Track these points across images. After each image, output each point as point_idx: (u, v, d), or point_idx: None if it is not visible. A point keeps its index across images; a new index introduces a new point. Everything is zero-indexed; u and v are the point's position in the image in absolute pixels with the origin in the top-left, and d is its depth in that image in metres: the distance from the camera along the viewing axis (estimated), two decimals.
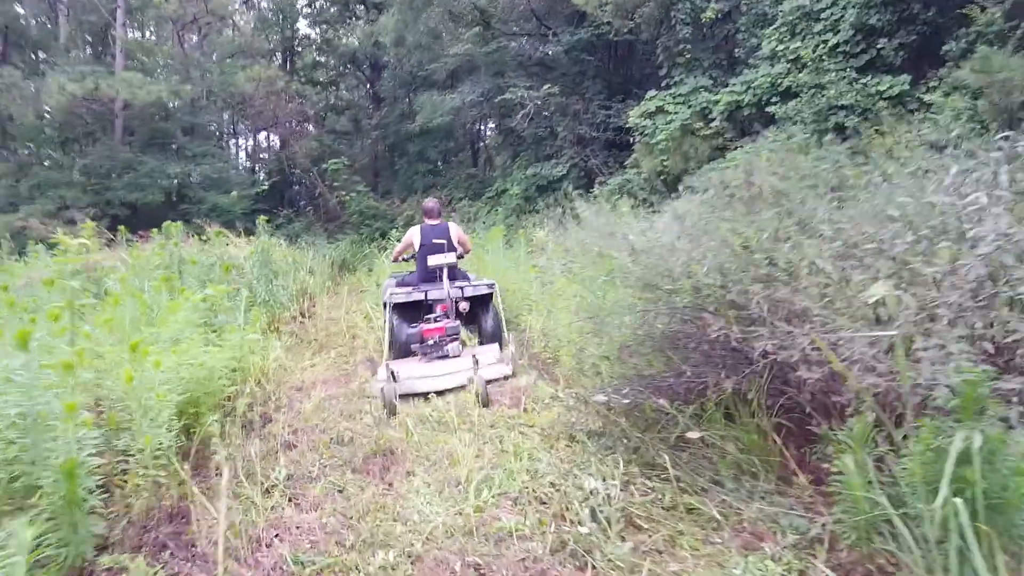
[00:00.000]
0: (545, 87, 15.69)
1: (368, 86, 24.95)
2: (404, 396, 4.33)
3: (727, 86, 11.86)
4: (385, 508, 2.74)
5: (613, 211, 5.89)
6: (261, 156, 28.79)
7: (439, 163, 24.67)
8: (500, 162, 21.02)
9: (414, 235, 5.86)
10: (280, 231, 17.92)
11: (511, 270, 6.91)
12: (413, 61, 20.53)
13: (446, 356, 4.95)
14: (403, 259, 6.22)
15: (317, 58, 23.97)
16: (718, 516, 2.44)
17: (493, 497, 2.76)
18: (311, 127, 25.72)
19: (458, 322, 5.16)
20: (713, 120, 11.89)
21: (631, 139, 14.54)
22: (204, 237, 7.08)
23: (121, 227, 7.72)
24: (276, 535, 2.53)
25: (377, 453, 3.34)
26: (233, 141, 29.38)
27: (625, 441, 2.98)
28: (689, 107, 12.40)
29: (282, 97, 20.79)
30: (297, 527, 2.59)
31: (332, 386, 5.08)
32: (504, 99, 16.05)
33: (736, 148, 11.22)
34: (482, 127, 25.46)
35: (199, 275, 6.27)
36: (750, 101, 11.35)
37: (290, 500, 2.90)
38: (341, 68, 24.56)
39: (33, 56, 17.28)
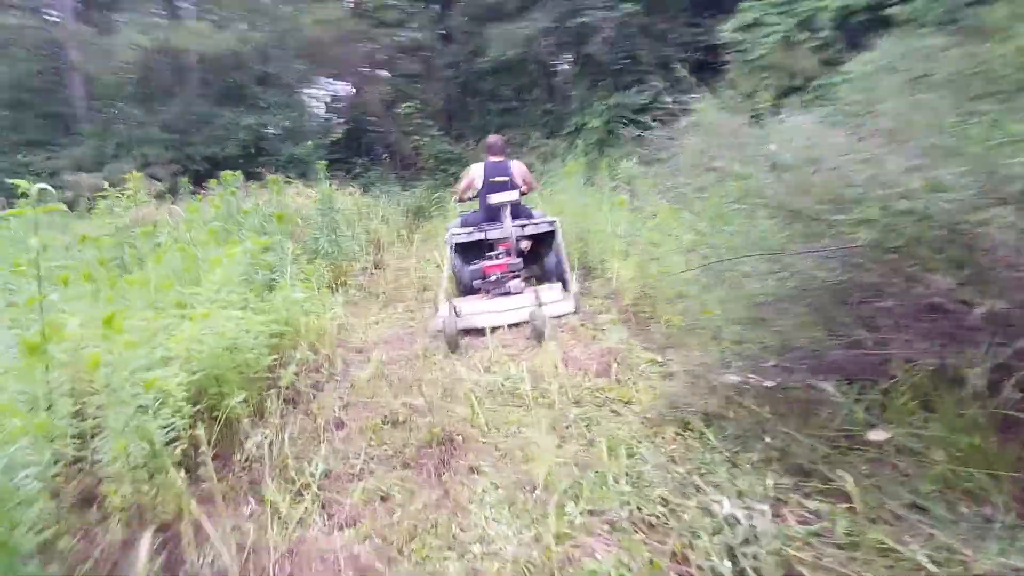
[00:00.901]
0: (625, 6, 14.20)
1: (438, 22, 23.87)
2: (465, 332, 4.36)
3: None
4: (438, 527, 2.07)
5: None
6: (336, 105, 28.56)
7: (513, 101, 23.51)
8: (578, 95, 19.63)
9: (476, 173, 5.62)
10: (356, 180, 17.62)
11: (592, 207, 6.02)
12: None
13: (508, 293, 4.87)
14: (467, 198, 5.93)
15: None
16: (929, 565, 1.60)
17: (581, 516, 2.03)
18: (383, 72, 25.08)
19: (520, 259, 5.04)
20: (821, 30, 10.26)
21: (725, 58, 12.97)
22: (273, 186, 6.60)
23: (183, 178, 7.38)
24: (290, 573, 1.91)
25: (434, 441, 2.66)
26: (307, 91, 29.25)
27: (766, 438, 2.15)
28: (792, 16, 10.77)
29: (352, 41, 20.14)
30: (323, 557, 1.95)
31: (395, 347, 4.48)
32: (580, 23, 14.69)
33: (847, 61, 9.66)
34: (557, 59, 23.94)
35: (257, 227, 5.78)
36: (864, 3, 9.64)
37: (323, 507, 2.29)
38: (409, 7, 23.54)
39: (107, 12, 17.38)
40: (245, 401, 2.93)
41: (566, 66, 24.93)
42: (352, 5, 23.24)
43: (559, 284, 5.04)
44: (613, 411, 2.89)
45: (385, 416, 3.07)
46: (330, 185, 11.64)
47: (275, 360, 3.54)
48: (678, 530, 1.86)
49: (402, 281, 7.30)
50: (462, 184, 5.91)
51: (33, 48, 16.91)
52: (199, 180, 7.32)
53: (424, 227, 14.07)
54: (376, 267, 8.51)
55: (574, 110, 18.94)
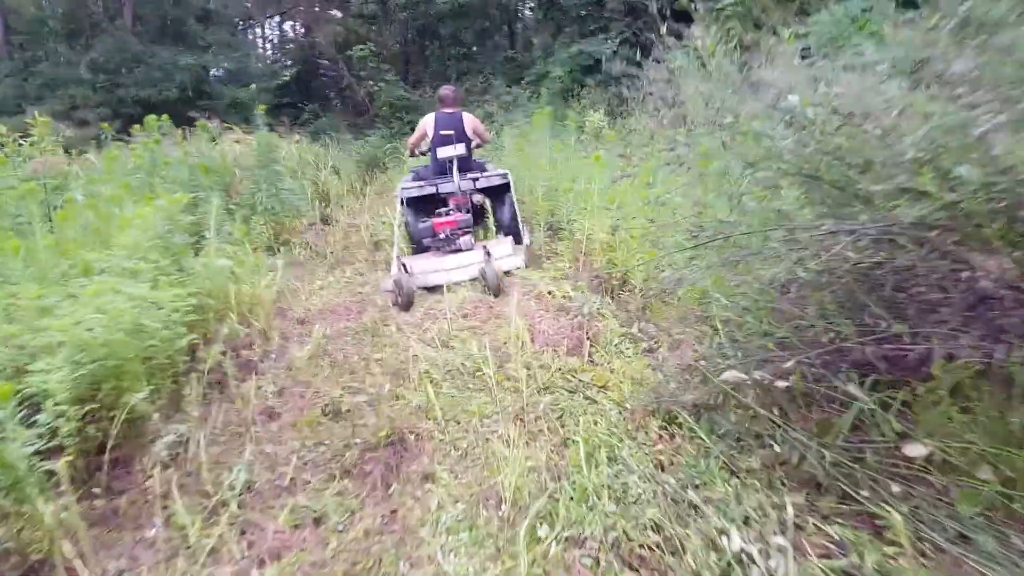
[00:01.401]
0: None
1: None
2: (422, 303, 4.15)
3: None
4: (382, 562, 1.69)
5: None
6: (287, 47, 26.93)
7: (473, 47, 22.51)
8: (540, 42, 18.87)
9: (428, 124, 5.41)
10: (304, 127, 16.63)
11: (560, 162, 5.59)
12: None
13: (459, 249, 4.77)
14: (419, 152, 5.76)
15: None
16: None
17: (557, 543, 1.68)
18: (336, 12, 23.64)
19: (469, 215, 4.91)
20: None
21: (693, 6, 12.45)
22: (203, 133, 5.91)
23: (104, 124, 6.62)
24: None
25: (381, 443, 2.27)
26: (254, 31, 27.48)
27: (773, 444, 1.83)
28: None
29: None
30: None
31: (342, 317, 4.03)
32: None
33: (818, 11, 9.34)
34: (520, 4, 22.94)
35: (184, 180, 5.17)
36: None
37: (242, 533, 1.89)
38: None
39: None
40: (155, 391, 2.48)
41: (529, 11, 23.96)
42: None
43: (510, 238, 4.94)
44: (588, 398, 2.54)
45: (325, 406, 2.66)
46: (272, 131, 10.88)
47: (197, 339, 3.07)
48: (675, 565, 1.53)
49: (352, 239, 6.77)
50: (415, 136, 5.68)
51: None
52: (131, 125, 6.60)
53: (378, 179, 13.36)
54: (325, 222, 7.93)
55: (537, 58, 18.18)
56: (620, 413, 2.38)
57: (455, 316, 3.79)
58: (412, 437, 2.30)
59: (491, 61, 20.01)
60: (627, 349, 3.00)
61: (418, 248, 5.21)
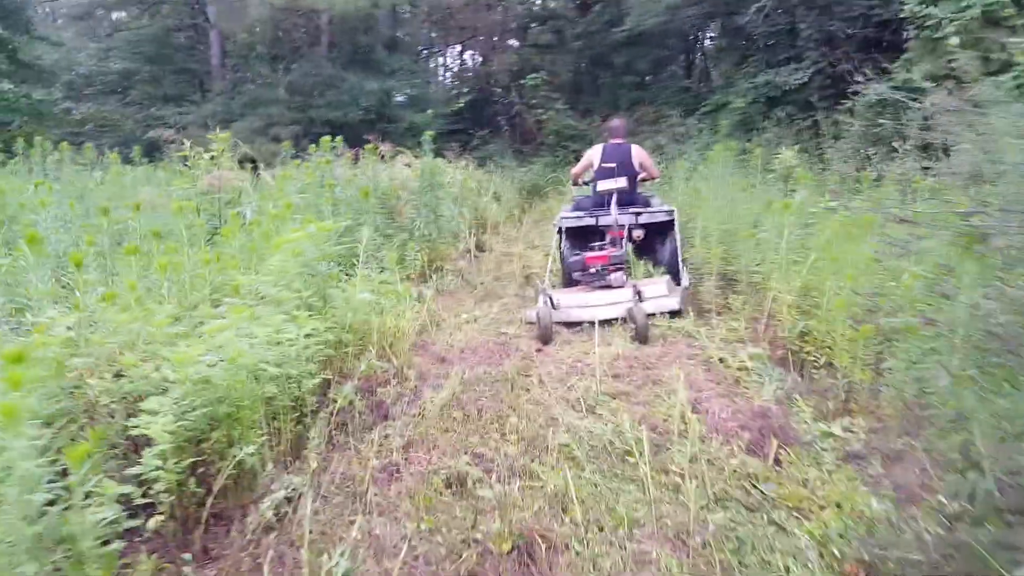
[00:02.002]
0: None
1: None
2: (563, 324, 4.24)
3: None
4: None
5: None
6: (465, 74, 28.23)
7: (647, 76, 22.00)
8: (722, 71, 17.93)
9: (594, 155, 5.34)
10: (473, 152, 17.08)
11: (741, 202, 4.91)
12: None
13: (608, 286, 4.55)
14: (582, 182, 5.62)
15: None
16: None
17: None
18: (512, 41, 24.35)
19: (623, 251, 4.71)
20: None
21: (903, 35, 11.07)
22: (371, 155, 6.01)
23: (285, 143, 6.99)
24: None
25: (504, 549, 1.84)
26: (436, 59, 29.14)
27: None
28: None
29: (483, 6, 19.50)
30: None
31: (483, 359, 3.71)
32: None
33: None
34: (700, 32, 22.07)
35: (350, 202, 5.20)
36: None
37: None
38: None
39: None
40: (275, 436, 2.26)
41: (709, 41, 23.03)
42: None
43: (666, 277, 4.69)
44: (775, 523, 1.94)
45: (448, 474, 2.29)
46: (437, 157, 11.14)
47: (331, 376, 2.88)
48: None
49: (504, 269, 6.55)
50: (579, 166, 5.58)
51: (177, 4, 17.67)
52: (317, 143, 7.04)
53: (538, 207, 13.26)
54: (479, 249, 7.83)
55: (715, 88, 17.27)
56: (822, 557, 1.76)
57: (605, 374, 3.31)
58: (543, 546, 1.85)
59: (665, 91, 19.37)
60: (826, 453, 2.33)
61: (569, 279, 5.07)
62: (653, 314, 4.11)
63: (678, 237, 4.88)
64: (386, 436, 2.62)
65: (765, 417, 2.55)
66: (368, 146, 5.59)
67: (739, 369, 3.18)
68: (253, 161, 7.20)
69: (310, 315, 2.76)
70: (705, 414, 2.68)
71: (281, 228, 3.63)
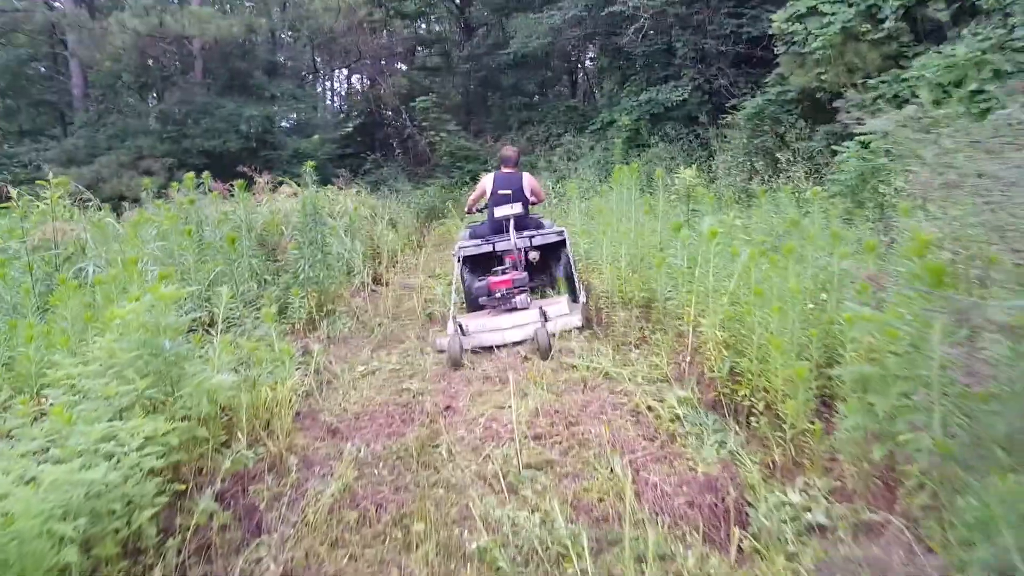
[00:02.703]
0: None
1: (458, 14, 22.59)
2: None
3: None
4: None
5: None
6: (353, 98, 27.35)
7: (535, 96, 22.20)
8: (607, 89, 18.28)
9: (487, 183, 5.51)
10: (365, 177, 16.38)
11: (648, 227, 4.69)
12: None
13: (514, 308, 4.69)
14: (476, 209, 5.81)
15: None
16: None
17: None
18: (400, 64, 23.87)
19: (525, 274, 4.83)
20: (884, 20, 8.85)
21: (773, 51, 11.64)
22: (240, 192, 5.28)
23: (145, 181, 6.14)
24: None
25: None
26: (322, 84, 28.12)
27: None
28: (851, 5, 9.34)
29: (367, 31, 18.90)
30: None
31: (382, 427, 3.20)
32: (612, 11, 13.30)
33: (916, 56, 8.30)
34: (582, 53, 22.55)
35: (217, 247, 4.52)
36: None
37: None
38: None
39: None
40: None
41: (590, 61, 23.57)
42: None
43: (566, 296, 4.91)
44: None
45: None
46: (326, 184, 10.40)
47: (184, 483, 2.28)
48: None
49: (405, 305, 6.03)
50: (474, 195, 5.74)
51: (33, 33, 15.86)
52: (198, 174, 6.12)
53: (437, 230, 12.79)
54: (376, 283, 7.26)
55: (600, 106, 17.56)
56: None
57: (524, 436, 2.90)
58: None
59: (553, 110, 19.53)
60: (786, 526, 2.01)
61: (473, 306, 5.15)
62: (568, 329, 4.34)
63: (570, 255, 5.08)
64: (258, 560, 2.06)
65: (714, 489, 2.21)
66: (239, 181, 4.89)
67: (671, 420, 2.85)
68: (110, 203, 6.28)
69: (151, 411, 2.16)
70: (645, 487, 2.31)
71: (126, 288, 2.98)
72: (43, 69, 17.45)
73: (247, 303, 4.23)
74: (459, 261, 5.22)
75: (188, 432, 2.27)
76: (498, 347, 4.29)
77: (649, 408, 3.01)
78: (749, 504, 2.15)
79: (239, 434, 2.69)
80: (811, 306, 2.86)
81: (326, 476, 2.65)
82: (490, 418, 3.19)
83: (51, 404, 2.20)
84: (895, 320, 1.74)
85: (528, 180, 5.48)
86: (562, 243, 5.13)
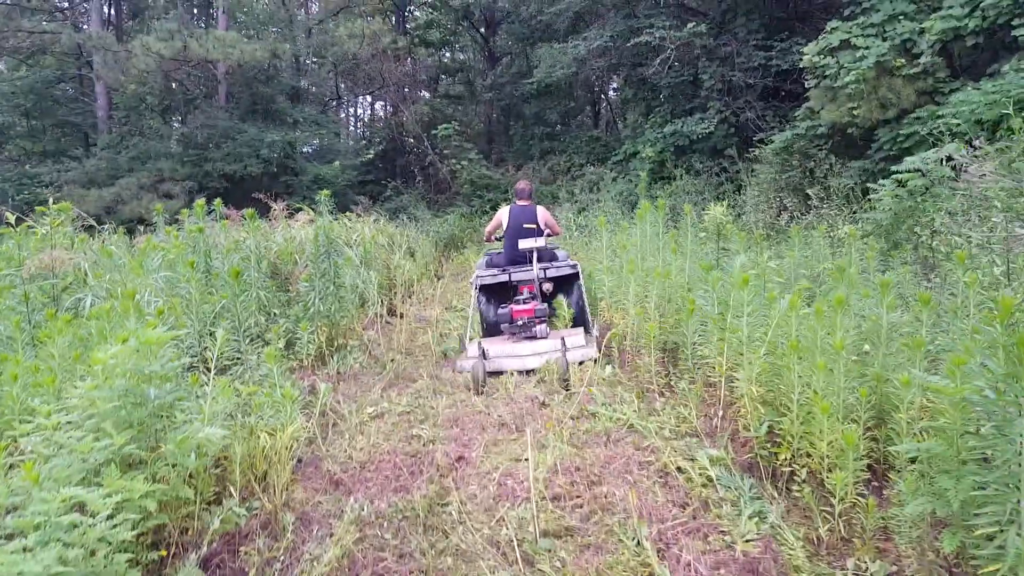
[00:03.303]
0: (689, 26, 12.72)
1: (483, 43, 22.78)
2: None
3: (939, 8, 8.50)
4: None
5: None
6: (377, 125, 27.62)
7: (558, 126, 22.20)
8: (630, 120, 18.20)
9: (503, 215, 5.79)
10: (384, 205, 16.37)
11: (677, 267, 4.45)
12: (531, 8, 18.06)
13: (534, 337, 4.87)
14: (495, 238, 6.14)
15: (430, 15, 22.05)
16: None
17: None
18: (423, 92, 24.09)
19: (546, 304, 5.09)
20: (920, 55, 8.63)
21: (803, 84, 11.47)
22: (250, 222, 5.15)
23: (157, 207, 6.05)
24: None
25: None
26: (345, 110, 28.48)
27: None
28: (885, 39, 9.15)
29: (391, 58, 19.09)
30: None
31: (388, 480, 2.97)
32: (638, 43, 13.22)
33: (952, 91, 8.06)
34: (606, 84, 22.58)
35: (222, 280, 4.36)
36: (976, 27, 7.96)
37: None
38: (455, 26, 22.51)
39: (137, 19, 16.64)
40: None
41: (614, 91, 23.60)
42: (394, 22, 22.35)
43: (581, 328, 5.09)
44: None
45: None
46: (345, 211, 10.31)
47: (167, 547, 2.07)
48: None
49: (419, 340, 5.83)
50: (491, 225, 6.08)
51: (60, 55, 16.21)
52: (222, 199, 6.00)
53: (456, 259, 12.65)
54: (391, 314, 7.08)
55: (624, 137, 17.47)
56: None
57: (542, 496, 2.65)
58: None
59: (575, 141, 19.48)
60: None
61: (489, 330, 5.49)
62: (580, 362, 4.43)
63: (583, 288, 5.33)
64: None
65: (755, 572, 1.95)
66: (249, 210, 4.76)
67: (703, 485, 2.59)
68: (128, 225, 6.19)
69: (131, 468, 1.97)
70: (677, 566, 2.05)
71: (123, 323, 2.81)
72: (69, 90, 17.82)
73: (253, 338, 4.05)
74: (476, 289, 5.44)
75: (171, 492, 2.06)
76: (518, 372, 4.43)
77: (679, 469, 2.75)
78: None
79: (231, 488, 2.49)
80: (854, 358, 2.61)
81: (324, 538, 2.42)
82: (505, 473, 2.95)
83: (28, 453, 2.02)
84: (973, 395, 1.49)
85: (543, 214, 5.65)
86: (575, 276, 5.37)
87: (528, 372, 4.42)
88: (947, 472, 1.59)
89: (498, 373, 4.44)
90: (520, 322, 4.91)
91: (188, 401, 2.46)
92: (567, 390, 3.99)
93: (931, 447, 1.64)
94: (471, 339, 4.85)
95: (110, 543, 1.74)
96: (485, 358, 4.41)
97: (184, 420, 2.27)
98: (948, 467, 1.63)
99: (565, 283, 5.58)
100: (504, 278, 5.33)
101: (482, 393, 4.11)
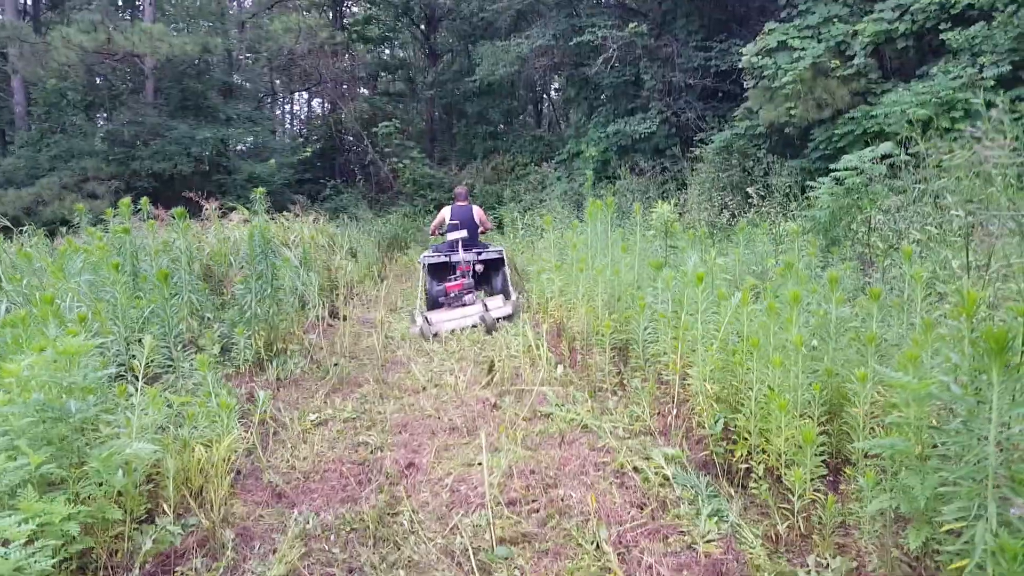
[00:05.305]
0: (631, 26, 12.87)
1: (423, 40, 22.49)
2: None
3: (871, 12, 8.90)
4: None
5: None
6: (313, 122, 26.87)
7: (500, 125, 22.13)
8: (573, 120, 18.27)
9: (445, 213, 7.30)
10: (324, 204, 15.93)
11: (625, 262, 4.44)
12: (472, 6, 17.92)
13: (464, 304, 6.30)
14: (439, 233, 7.49)
15: (368, 10, 21.57)
16: None
17: None
18: (362, 89, 23.59)
19: (472, 280, 6.59)
20: (853, 57, 9.00)
21: (741, 85, 11.75)
22: (178, 221, 4.84)
23: (78, 206, 5.65)
24: None
25: None
26: (281, 107, 27.63)
27: None
28: (820, 41, 9.50)
29: (328, 54, 18.58)
30: None
31: (335, 490, 2.82)
32: (580, 42, 13.32)
33: (884, 92, 8.43)
34: (548, 83, 22.67)
35: (151, 284, 4.08)
36: (906, 30, 8.36)
37: None
38: (394, 22, 22.10)
39: (57, 10, 15.60)
40: None
41: (555, 91, 23.74)
42: (331, 17, 21.80)
43: (501, 296, 6.56)
44: None
45: None
46: (282, 211, 9.96)
47: (91, 571, 1.89)
48: None
49: (363, 343, 5.65)
50: (435, 222, 7.52)
51: None
52: (150, 199, 5.59)
53: (399, 259, 12.41)
54: (334, 316, 6.84)
55: (567, 137, 17.56)
56: None
57: (497, 502, 2.56)
58: None
59: (518, 140, 19.46)
60: None
61: (431, 305, 6.81)
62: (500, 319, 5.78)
63: (507, 270, 7.01)
64: None
65: (719, 574, 1.91)
66: (178, 209, 4.48)
67: (660, 484, 2.56)
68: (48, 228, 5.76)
69: (51, 488, 1.78)
70: (638, 568, 2.00)
71: (43, 331, 2.56)
72: None
73: (185, 344, 3.81)
74: (424, 268, 7.12)
75: (97, 513, 1.87)
76: (458, 331, 5.64)
77: (635, 468, 2.72)
78: None
79: (164, 505, 2.30)
80: (805, 354, 2.64)
81: (267, 555, 2.26)
82: (458, 479, 2.85)
83: None
84: (940, 392, 1.49)
85: (477, 212, 7.31)
86: (501, 260, 7.07)
87: (463, 330, 5.64)
88: (910, 468, 1.59)
89: (438, 334, 5.63)
90: (453, 294, 6.44)
91: (114, 414, 2.26)
92: (489, 333, 5.43)
93: (894, 443, 1.64)
94: (419, 311, 6.18)
95: (27, 573, 1.56)
96: (429, 323, 5.72)
97: (110, 435, 2.08)
98: (910, 463, 1.63)
99: (494, 266, 7.16)
100: (443, 259, 6.96)
101: (430, 341, 5.44)
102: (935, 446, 1.58)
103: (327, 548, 2.33)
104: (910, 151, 5.61)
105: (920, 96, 7.21)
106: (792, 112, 9.52)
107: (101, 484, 1.95)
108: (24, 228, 6.97)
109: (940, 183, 3.92)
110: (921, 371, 1.77)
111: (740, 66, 10.64)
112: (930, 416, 1.70)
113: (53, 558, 1.64)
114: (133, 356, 2.99)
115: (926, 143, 5.04)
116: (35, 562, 1.56)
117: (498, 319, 5.76)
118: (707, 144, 10.96)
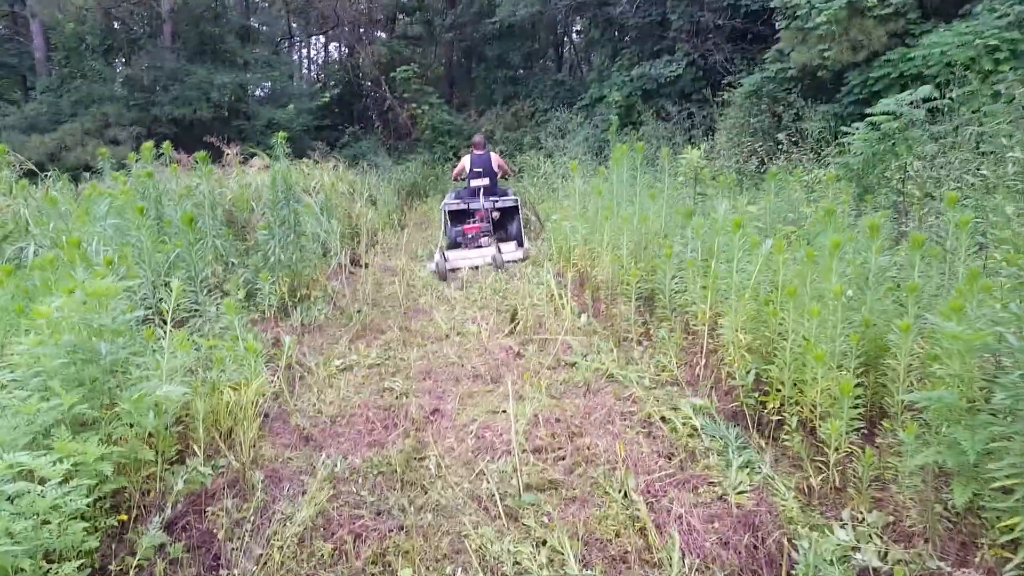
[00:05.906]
0: None
1: None
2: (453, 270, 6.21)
3: None
4: None
5: None
6: (331, 67, 26.39)
7: (520, 69, 21.51)
8: (596, 63, 17.73)
9: (465, 162, 7.68)
10: (343, 151, 15.77)
11: (655, 215, 4.33)
12: None
13: (480, 246, 6.84)
14: (460, 179, 8.02)
15: None
16: None
17: None
18: (379, 32, 23.00)
19: (489, 224, 7.10)
20: None
21: (772, 26, 11.26)
22: (202, 166, 4.80)
23: (102, 150, 5.62)
24: None
25: None
26: (298, 51, 27.14)
27: None
28: None
29: None
30: None
31: (361, 435, 2.84)
32: None
33: (923, 33, 7.97)
34: (570, 25, 21.93)
35: (175, 228, 4.07)
36: None
37: None
38: None
39: None
40: None
41: (577, 34, 22.97)
42: None
43: (515, 242, 7.03)
44: None
45: None
46: (301, 158, 9.87)
47: (128, 512, 1.92)
48: None
49: (386, 290, 5.65)
50: (457, 169, 7.99)
51: None
52: (172, 145, 5.59)
53: (419, 208, 12.32)
54: (355, 265, 6.84)
55: (590, 81, 17.06)
56: None
57: (523, 449, 2.56)
58: None
59: (539, 84, 18.92)
60: (834, 568, 1.71)
61: (451, 245, 7.25)
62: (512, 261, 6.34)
63: (520, 217, 7.40)
64: None
65: (751, 527, 1.90)
66: (201, 153, 4.43)
67: (689, 435, 2.53)
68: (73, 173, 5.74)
69: (83, 429, 1.79)
70: (668, 518, 1.99)
71: (71, 273, 2.56)
72: (3, 29, 16.49)
73: (210, 289, 3.82)
74: (444, 213, 7.59)
75: (129, 454, 1.89)
76: (474, 268, 6.21)
77: (663, 418, 2.69)
78: (792, 544, 1.85)
79: (195, 447, 2.33)
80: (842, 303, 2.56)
81: (296, 496, 2.29)
82: (483, 425, 2.85)
83: None
84: (994, 343, 1.42)
85: (495, 158, 7.66)
86: (516, 208, 7.41)
87: (475, 268, 6.20)
88: (958, 422, 1.53)
89: (456, 269, 6.21)
90: (470, 236, 7.00)
91: (144, 356, 2.27)
92: (499, 268, 5.98)
93: (942, 396, 1.58)
94: (439, 248, 6.77)
95: (63, 511, 1.58)
96: (446, 260, 6.27)
97: (140, 377, 2.09)
98: (956, 417, 1.57)
99: (509, 214, 7.48)
100: (463, 206, 7.41)
101: (446, 280, 5.91)
102: (986, 400, 1.52)
103: (355, 491, 2.36)
104: (950, 95, 5.34)
105: (962, 36, 6.82)
106: (826, 54, 9.08)
107: (132, 425, 1.97)
108: (48, 173, 6.99)
109: (990, 126, 3.72)
110: (966, 322, 1.70)
111: (772, 5, 10.14)
112: (971, 369, 1.63)
113: (88, 497, 1.66)
114: (160, 300, 3.00)
115: (967, 86, 4.78)
116: (71, 500, 1.58)
117: (508, 261, 6.26)
118: (736, 88, 10.55)
